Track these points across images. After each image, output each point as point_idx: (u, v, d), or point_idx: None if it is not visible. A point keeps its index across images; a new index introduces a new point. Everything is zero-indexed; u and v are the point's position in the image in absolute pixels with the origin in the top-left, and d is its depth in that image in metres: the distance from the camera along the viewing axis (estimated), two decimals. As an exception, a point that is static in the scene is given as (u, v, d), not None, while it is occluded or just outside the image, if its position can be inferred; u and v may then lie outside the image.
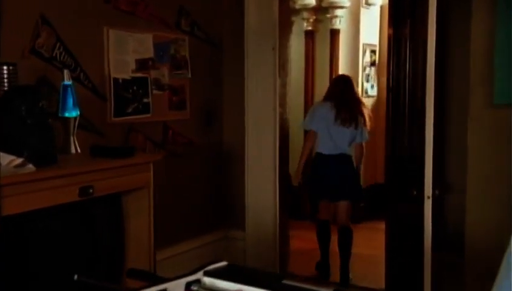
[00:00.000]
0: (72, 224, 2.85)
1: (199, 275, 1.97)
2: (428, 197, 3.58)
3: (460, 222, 3.67)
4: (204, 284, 1.95)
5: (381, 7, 6.52)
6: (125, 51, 3.79)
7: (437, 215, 3.73)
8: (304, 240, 5.77)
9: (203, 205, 4.57)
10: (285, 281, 1.90)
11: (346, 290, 1.97)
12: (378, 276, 4.60)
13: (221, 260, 2.08)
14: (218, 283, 1.94)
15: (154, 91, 4.02)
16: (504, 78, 3.32)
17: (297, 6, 6.46)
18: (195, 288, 1.92)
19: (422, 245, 3.67)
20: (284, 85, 4.67)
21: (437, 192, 3.61)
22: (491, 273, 3.45)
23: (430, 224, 3.64)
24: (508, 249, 0.74)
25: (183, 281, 1.92)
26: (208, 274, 1.98)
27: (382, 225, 4.40)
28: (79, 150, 3.15)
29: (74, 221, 2.85)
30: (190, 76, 4.30)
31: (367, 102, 6.60)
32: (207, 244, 4.59)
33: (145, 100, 3.94)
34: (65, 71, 3.15)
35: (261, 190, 4.64)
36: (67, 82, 3.13)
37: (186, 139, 4.36)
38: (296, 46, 6.72)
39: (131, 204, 3.13)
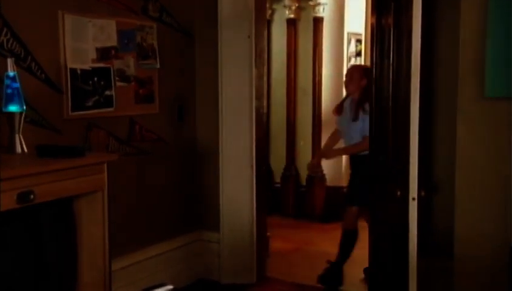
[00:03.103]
0: (13, 235, 2.54)
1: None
2: (413, 199, 3.35)
3: (449, 224, 3.47)
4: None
5: (367, -6, 6.24)
6: (84, 39, 3.47)
7: (423, 217, 3.52)
8: (286, 240, 5.55)
9: (175, 205, 4.29)
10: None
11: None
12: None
13: (165, 284, 1.82)
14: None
15: (118, 83, 3.71)
16: (497, 69, 3.11)
17: (278, -6, 6.20)
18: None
19: (407, 249, 3.45)
20: (261, 76, 4.38)
21: (422, 193, 3.38)
22: (481, 277, 3.24)
23: (415, 226, 3.43)
24: None
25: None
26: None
27: (365, 223, 4.32)
28: (25, 150, 2.84)
29: (16, 232, 2.54)
30: (158, 66, 4.00)
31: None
32: (180, 247, 4.32)
33: (108, 93, 3.62)
34: (9, 60, 2.84)
35: (236, 189, 4.37)
36: (11, 72, 2.82)
37: (155, 135, 4.06)
38: (277, 35, 6.47)
39: (83, 209, 2.83)
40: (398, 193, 3.45)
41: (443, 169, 3.74)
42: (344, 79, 4.72)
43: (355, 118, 4.39)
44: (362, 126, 4.31)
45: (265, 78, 4.49)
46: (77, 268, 2.84)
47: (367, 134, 4.00)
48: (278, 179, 6.56)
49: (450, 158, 3.44)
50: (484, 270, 3.31)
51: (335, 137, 4.79)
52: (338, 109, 4.64)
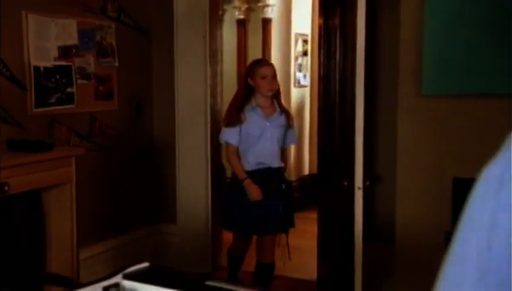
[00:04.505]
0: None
1: (118, 278, 1.86)
2: (359, 188, 3.58)
3: (391, 212, 3.69)
4: (123, 288, 1.85)
5: (313, -4, 6.51)
6: (47, 38, 3.59)
7: (368, 206, 3.74)
8: (237, 231, 5.72)
9: (133, 199, 4.43)
10: (208, 283, 1.83)
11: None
12: (310, 266, 4.62)
13: (142, 261, 1.99)
14: (138, 286, 1.85)
15: (79, 81, 3.84)
16: (434, 68, 3.32)
17: (229, -5, 6.39)
18: (113, 292, 1.82)
19: (353, 235, 3.68)
20: (215, 75, 4.58)
21: (367, 183, 3.62)
22: (420, 261, 3.49)
23: (361, 214, 3.62)
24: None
25: (100, 285, 1.81)
26: (127, 277, 1.88)
27: (315, 215, 4.39)
28: (-7, 144, 2.96)
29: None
30: (117, 64, 4.14)
31: (300, 92, 6.62)
32: (138, 239, 4.46)
33: (69, 89, 3.76)
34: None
35: (193, 183, 4.54)
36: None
37: (114, 130, 4.21)
38: (228, 35, 6.64)
39: (52, 201, 2.97)
40: (345, 183, 3.70)
41: (386, 161, 3.95)
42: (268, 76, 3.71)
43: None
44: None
45: (219, 77, 4.68)
46: (45, 257, 2.97)
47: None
48: (229, 175, 6.73)
49: (392, 151, 3.63)
50: (422, 255, 3.52)
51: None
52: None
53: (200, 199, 4.56)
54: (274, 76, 3.69)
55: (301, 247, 4.65)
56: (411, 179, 3.54)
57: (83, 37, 3.85)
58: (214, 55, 4.56)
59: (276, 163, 3.72)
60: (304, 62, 6.68)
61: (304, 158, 6.64)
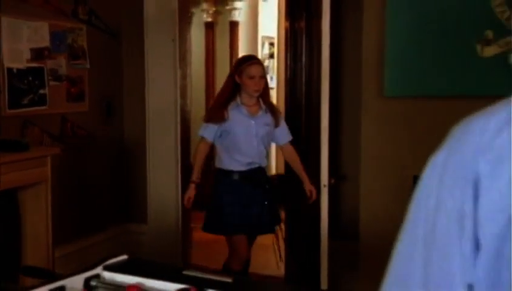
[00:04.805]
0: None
1: (98, 270, 1.97)
2: (324, 186, 3.70)
3: (355, 210, 3.82)
4: (104, 278, 1.95)
5: (279, 0, 6.64)
6: (19, 40, 3.65)
7: (333, 204, 3.86)
8: (206, 230, 5.82)
9: (104, 199, 4.50)
10: (185, 272, 1.94)
11: (246, 278, 2.02)
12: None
13: (121, 254, 2.09)
14: (118, 277, 1.95)
15: (51, 82, 3.90)
16: (394, 71, 3.46)
17: (196, -2, 6.48)
18: (94, 283, 1.92)
19: (319, 232, 3.79)
20: (184, 76, 4.67)
21: (332, 181, 3.74)
22: (383, 256, 3.62)
23: (326, 211, 3.76)
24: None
25: (81, 277, 1.91)
26: (107, 268, 1.98)
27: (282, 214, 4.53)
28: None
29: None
30: (88, 66, 4.22)
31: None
32: (108, 238, 4.53)
33: (42, 91, 3.82)
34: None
35: (163, 183, 4.62)
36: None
37: (86, 131, 4.27)
38: (196, 38, 6.72)
39: (28, 199, 3.03)
40: (311, 181, 3.81)
41: (350, 160, 4.08)
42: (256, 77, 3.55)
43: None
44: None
45: (189, 78, 4.78)
46: (20, 253, 3.03)
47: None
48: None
49: (356, 151, 3.76)
50: (385, 250, 3.66)
51: None
52: None
53: (170, 198, 4.63)
54: (262, 75, 3.56)
55: (268, 244, 4.77)
56: (374, 177, 3.65)
57: (55, 40, 3.92)
58: (184, 57, 4.65)
59: (264, 162, 3.67)
60: (271, 65, 6.82)
61: (271, 158, 6.77)
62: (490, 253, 0.71)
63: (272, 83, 6.84)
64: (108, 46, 4.49)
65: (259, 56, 6.66)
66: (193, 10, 6.70)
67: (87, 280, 1.90)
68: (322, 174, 3.71)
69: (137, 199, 4.69)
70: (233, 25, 6.60)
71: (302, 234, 4.12)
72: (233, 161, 3.55)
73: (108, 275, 1.96)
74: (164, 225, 4.65)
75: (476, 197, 0.72)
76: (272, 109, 3.64)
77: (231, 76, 3.61)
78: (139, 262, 2.13)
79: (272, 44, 6.90)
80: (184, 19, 4.75)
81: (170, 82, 4.54)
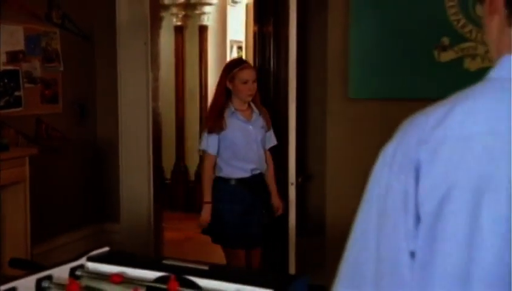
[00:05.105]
0: None
1: (82, 261, 2.09)
2: (292, 184, 3.82)
3: (321, 208, 3.93)
4: (88, 268, 2.08)
5: (247, 5, 6.80)
6: (-5, 43, 3.74)
7: (300, 201, 3.99)
8: (177, 230, 5.93)
9: (77, 199, 4.60)
10: (165, 261, 2.08)
11: (221, 266, 2.16)
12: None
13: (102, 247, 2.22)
14: (101, 267, 2.08)
15: (26, 85, 3.99)
16: (358, 73, 3.60)
17: (166, 2, 6.58)
18: (79, 273, 2.04)
19: (287, 229, 3.91)
20: (156, 79, 4.78)
21: (300, 179, 3.87)
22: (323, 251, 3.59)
23: (294, 208, 3.86)
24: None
25: (67, 267, 2.03)
26: (91, 259, 2.11)
27: None
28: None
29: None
30: (62, 69, 4.31)
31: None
32: (83, 237, 4.61)
33: (17, 93, 3.90)
34: None
35: (135, 183, 4.72)
36: None
37: (60, 133, 4.36)
38: (166, 41, 6.83)
39: (7, 198, 3.12)
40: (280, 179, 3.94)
41: (317, 160, 4.19)
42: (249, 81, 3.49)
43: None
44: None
45: (161, 81, 4.90)
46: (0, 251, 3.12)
47: None
48: (168, 175, 6.96)
49: (322, 151, 3.86)
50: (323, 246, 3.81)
51: None
52: None
53: (143, 198, 4.74)
54: (255, 80, 3.48)
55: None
56: (339, 176, 3.76)
57: (29, 43, 4.01)
58: (155, 60, 4.77)
59: (264, 167, 3.57)
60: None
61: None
62: (427, 226, 0.88)
63: (241, 85, 6.98)
64: (82, 50, 4.59)
65: (228, 60, 6.80)
66: (163, 14, 6.81)
67: (72, 270, 2.02)
68: (290, 173, 3.83)
69: (110, 199, 4.80)
70: (202, 29, 6.72)
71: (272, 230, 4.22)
72: (234, 169, 3.43)
73: (91, 265, 2.08)
74: (137, 225, 4.75)
75: (417, 181, 0.89)
76: (263, 111, 3.58)
77: (221, 83, 3.49)
78: (120, 253, 2.26)
79: (240, 48, 7.04)
80: (156, 23, 4.87)
81: (142, 84, 4.65)
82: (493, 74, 0.92)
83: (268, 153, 3.66)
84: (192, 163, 6.61)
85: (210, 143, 3.40)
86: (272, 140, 3.67)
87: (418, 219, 0.89)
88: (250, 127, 3.48)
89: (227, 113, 3.42)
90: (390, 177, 0.93)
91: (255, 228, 3.45)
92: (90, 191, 4.73)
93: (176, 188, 6.90)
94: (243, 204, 3.42)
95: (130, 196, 4.74)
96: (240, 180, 3.41)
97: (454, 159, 0.87)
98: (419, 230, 0.89)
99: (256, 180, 3.48)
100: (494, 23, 0.92)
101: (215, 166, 3.48)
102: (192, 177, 6.86)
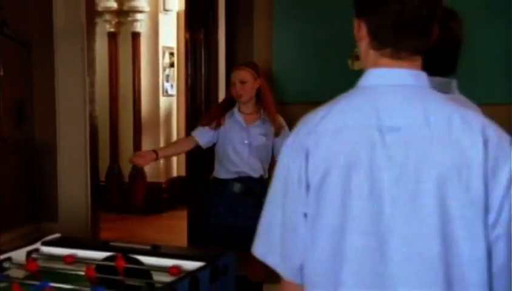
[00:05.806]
0: None
1: (37, 245, 2.37)
2: None
3: None
4: (43, 251, 2.35)
5: (178, 13, 7.06)
6: None
7: None
8: (112, 230, 6.09)
9: (16, 199, 4.74)
10: (112, 243, 2.37)
11: (161, 246, 2.42)
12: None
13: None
14: (55, 250, 2.36)
15: (-35, 89, 4.14)
16: (281, 80, 3.93)
17: (100, 9, 6.72)
18: (35, 255, 2.31)
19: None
20: (92, 84, 4.99)
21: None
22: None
23: None
24: None
25: (24, 250, 2.30)
26: (45, 243, 2.39)
27: (184, 213, 4.82)
28: None
29: None
30: (2, 73, 4.46)
31: (168, 101, 7.16)
32: (21, 236, 4.73)
33: (-44, 97, 4.05)
34: None
35: (72, 184, 4.93)
36: None
37: (-1, 135, 4.53)
38: (100, 47, 6.98)
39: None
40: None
41: None
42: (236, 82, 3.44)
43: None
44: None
45: (96, 86, 5.12)
46: None
47: None
48: (102, 177, 7.11)
49: None
50: None
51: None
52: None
53: (80, 198, 4.94)
54: (243, 80, 3.39)
55: (170, 241, 5.11)
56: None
57: (-31, 49, 4.16)
58: (91, 65, 4.98)
59: (256, 173, 3.46)
60: (171, 73, 7.20)
61: (173, 161, 7.17)
62: (314, 193, 1.25)
63: (173, 90, 7.25)
64: (20, 55, 4.75)
65: (160, 65, 7.04)
66: (97, 20, 6.97)
67: (29, 253, 2.29)
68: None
69: (48, 199, 4.96)
70: (135, 36, 6.91)
71: (204, 232, 4.43)
72: (223, 170, 3.46)
73: (46, 249, 2.36)
74: (74, 225, 4.91)
75: (307, 161, 1.26)
76: (271, 119, 3.47)
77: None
78: (71, 238, 2.53)
79: (172, 54, 7.27)
80: (91, 29, 5.07)
81: (78, 88, 4.85)
82: (361, 83, 1.30)
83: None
84: (126, 165, 6.76)
85: (197, 131, 3.49)
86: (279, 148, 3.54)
87: (308, 188, 1.26)
88: (247, 131, 3.44)
89: (228, 114, 3.46)
90: (289, 160, 1.30)
91: (239, 232, 3.30)
92: (28, 192, 4.89)
93: (110, 190, 7.05)
94: (231, 206, 3.41)
95: (67, 196, 4.93)
96: (228, 182, 3.42)
97: (331, 144, 1.25)
98: (309, 197, 1.26)
99: (248, 183, 3.42)
100: (362, 45, 1.30)
101: (191, 150, 3.67)
102: (126, 179, 7.04)
